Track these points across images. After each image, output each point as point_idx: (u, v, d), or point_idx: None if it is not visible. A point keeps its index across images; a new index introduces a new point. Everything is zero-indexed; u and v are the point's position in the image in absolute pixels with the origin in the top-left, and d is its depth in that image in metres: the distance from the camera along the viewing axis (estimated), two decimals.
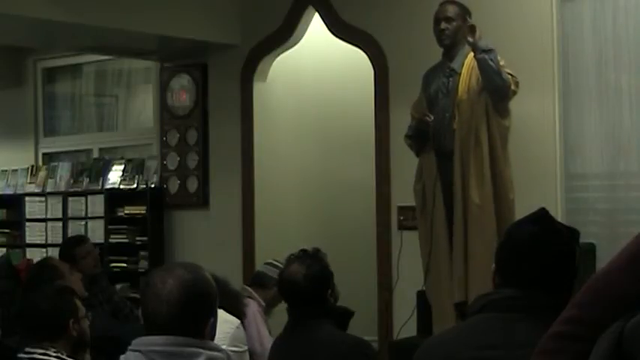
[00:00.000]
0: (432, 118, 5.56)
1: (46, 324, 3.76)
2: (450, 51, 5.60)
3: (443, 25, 5.57)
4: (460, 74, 5.51)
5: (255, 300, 5.48)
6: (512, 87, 5.39)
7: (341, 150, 7.77)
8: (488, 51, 5.35)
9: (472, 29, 5.42)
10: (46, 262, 5.40)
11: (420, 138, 5.66)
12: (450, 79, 5.56)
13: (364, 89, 6.99)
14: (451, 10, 5.59)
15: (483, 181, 5.34)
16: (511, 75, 5.41)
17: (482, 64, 5.33)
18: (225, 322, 4.02)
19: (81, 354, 3.83)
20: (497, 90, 5.35)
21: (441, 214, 5.49)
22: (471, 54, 5.51)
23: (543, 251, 2.45)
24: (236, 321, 4.21)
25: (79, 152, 9.01)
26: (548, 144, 5.99)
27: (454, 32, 5.56)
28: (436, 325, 5.42)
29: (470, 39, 5.39)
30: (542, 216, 2.51)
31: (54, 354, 3.70)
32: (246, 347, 4.26)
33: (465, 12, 5.62)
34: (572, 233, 2.52)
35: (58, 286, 4.15)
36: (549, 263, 2.45)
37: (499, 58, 5.38)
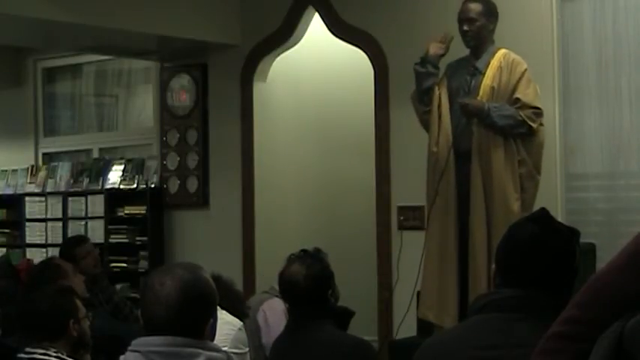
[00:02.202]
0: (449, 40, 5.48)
1: (45, 324, 3.76)
2: (477, 49, 5.47)
3: (465, 26, 5.43)
4: (484, 74, 5.40)
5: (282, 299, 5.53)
6: (530, 123, 5.25)
7: (341, 150, 7.77)
8: (484, 112, 5.25)
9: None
10: (49, 261, 5.40)
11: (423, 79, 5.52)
12: (473, 78, 5.45)
13: (364, 89, 6.99)
14: (473, 10, 5.43)
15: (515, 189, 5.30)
16: (532, 108, 5.27)
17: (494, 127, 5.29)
18: (227, 323, 4.02)
19: (81, 354, 3.83)
20: (517, 134, 5.30)
21: (452, 213, 5.41)
22: (498, 53, 5.40)
23: (543, 251, 2.45)
24: (238, 322, 4.20)
25: (79, 152, 9.01)
26: (548, 144, 5.97)
27: (478, 33, 5.42)
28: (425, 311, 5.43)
29: (463, 108, 5.33)
30: (542, 216, 2.51)
31: (54, 354, 3.69)
32: (247, 349, 4.26)
33: (489, 8, 5.47)
34: (572, 233, 2.52)
35: (58, 286, 4.15)
36: (549, 263, 2.45)
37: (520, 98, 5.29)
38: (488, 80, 5.37)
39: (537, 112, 5.31)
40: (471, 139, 5.34)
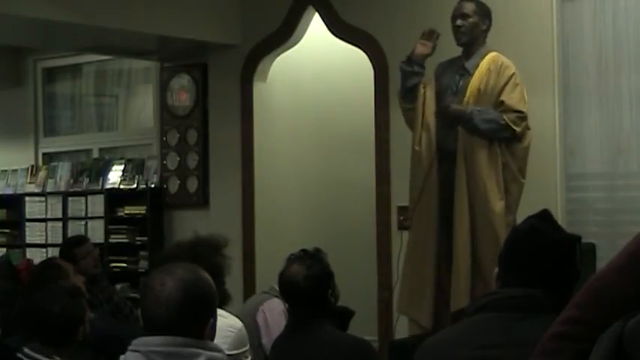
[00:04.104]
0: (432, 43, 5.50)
1: (58, 328, 3.68)
2: (468, 49, 5.48)
3: (458, 21, 5.43)
4: (472, 75, 5.40)
5: (282, 299, 5.53)
6: (514, 127, 5.24)
7: (341, 150, 7.77)
8: (466, 116, 5.25)
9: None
10: (49, 261, 5.40)
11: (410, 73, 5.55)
12: (462, 78, 5.46)
13: (364, 89, 6.99)
14: (468, 7, 5.45)
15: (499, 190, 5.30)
16: (516, 112, 5.26)
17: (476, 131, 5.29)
18: (225, 321, 4.01)
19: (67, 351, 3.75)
20: (501, 138, 5.29)
21: (431, 216, 5.43)
22: (488, 56, 5.40)
23: (544, 251, 2.46)
24: (238, 323, 4.20)
25: (79, 152, 9.01)
26: (548, 144, 5.98)
27: (470, 29, 5.43)
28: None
29: (445, 112, 5.34)
30: (544, 217, 2.51)
31: None
32: (247, 347, 4.26)
33: (482, 8, 5.49)
34: (574, 236, 2.53)
35: (68, 288, 4.11)
36: (550, 263, 2.46)
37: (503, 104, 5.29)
38: (475, 82, 5.38)
39: (521, 115, 5.28)
40: (456, 139, 5.35)
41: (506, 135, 5.27)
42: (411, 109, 5.56)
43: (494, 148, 5.29)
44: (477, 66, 5.40)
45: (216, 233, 3.84)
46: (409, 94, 5.56)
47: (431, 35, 5.54)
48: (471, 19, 5.44)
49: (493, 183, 5.27)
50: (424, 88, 5.52)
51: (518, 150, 5.35)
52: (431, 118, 5.44)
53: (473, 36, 5.45)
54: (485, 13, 5.50)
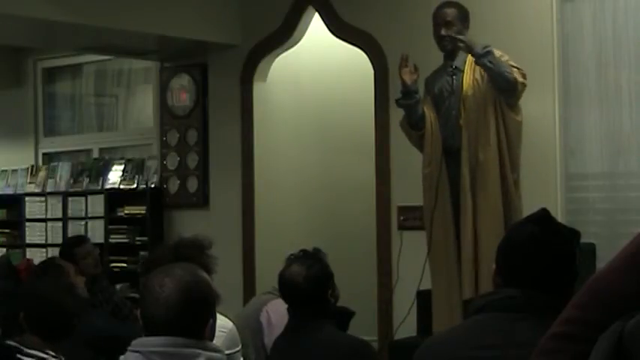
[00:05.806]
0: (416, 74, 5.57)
1: (62, 322, 3.69)
2: (452, 52, 5.59)
3: (443, 31, 5.54)
4: (463, 71, 5.51)
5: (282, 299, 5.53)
6: (521, 80, 5.35)
7: (341, 150, 7.77)
8: (485, 54, 5.33)
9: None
10: (50, 261, 5.40)
11: (410, 108, 5.62)
12: (454, 77, 5.55)
13: (364, 89, 6.99)
14: (450, 14, 5.56)
15: (497, 183, 5.36)
16: (517, 68, 5.38)
17: (484, 69, 5.35)
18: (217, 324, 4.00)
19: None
20: (503, 89, 5.35)
21: (447, 214, 5.48)
22: None
23: (544, 251, 2.46)
24: (229, 324, 4.20)
25: (79, 152, 9.01)
26: (548, 144, 5.99)
27: (455, 37, 5.52)
28: (437, 325, 5.46)
29: (462, 45, 5.42)
30: (543, 216, 2.51)
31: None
32: (239, 347, 4.26)
33: (463, 12, 5.61)
34: (573, 234, 2.52)
35: (65, 283, 4.10)
36: (549, 263, 2.45)
37: (500, 53, 5.39)
38: (469, 76, 5.47)
39: (522, 72, 5.37)
40: (460, 134, 5.44)
41: (511, 91, 5.34)
42: (423, 133, 5.63)
43: (499, 134, 5.37)
44: (466, 62, 5.51)
45: (200, 234, 3.83)
46: (420, 122, 5.62)
47: (406, 60, 5.62)
48: (455, 27, 5.53)
49: (506, 161, 5.38)
50: (426, 108, 5.63)
51: (515, 123, 5.42)
52: (437, 132, 5.55)
53: (457, 42, 5.53)
54: (464, 16, 5.62)
